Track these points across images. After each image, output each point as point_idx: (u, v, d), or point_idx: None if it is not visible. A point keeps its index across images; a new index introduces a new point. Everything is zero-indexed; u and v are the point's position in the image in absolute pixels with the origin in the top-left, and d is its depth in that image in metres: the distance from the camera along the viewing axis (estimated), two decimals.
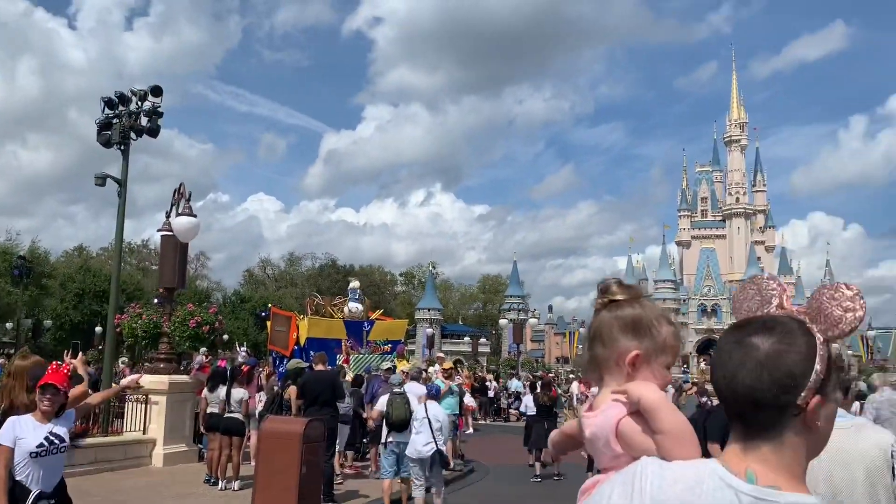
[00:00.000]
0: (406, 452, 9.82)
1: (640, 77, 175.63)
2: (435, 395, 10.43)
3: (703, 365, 62.89)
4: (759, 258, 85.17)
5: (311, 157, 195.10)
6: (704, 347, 78.26)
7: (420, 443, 9.54)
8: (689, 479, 1.23)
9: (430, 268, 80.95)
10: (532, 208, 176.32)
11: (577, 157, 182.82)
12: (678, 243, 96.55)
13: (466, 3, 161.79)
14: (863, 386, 12.90)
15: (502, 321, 57.01)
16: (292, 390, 11.33)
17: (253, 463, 10.92)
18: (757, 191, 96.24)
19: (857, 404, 10.86)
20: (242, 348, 21.72)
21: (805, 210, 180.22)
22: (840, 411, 3.38)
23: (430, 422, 9.52)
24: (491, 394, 32.67)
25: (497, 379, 38.74)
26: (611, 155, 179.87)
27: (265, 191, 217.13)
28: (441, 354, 24.01)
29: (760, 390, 1.19)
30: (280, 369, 18.03)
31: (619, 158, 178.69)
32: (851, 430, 3.23)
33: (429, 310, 66.62)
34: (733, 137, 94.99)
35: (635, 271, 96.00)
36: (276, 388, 13.42)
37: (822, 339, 1.23)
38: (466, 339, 65.69)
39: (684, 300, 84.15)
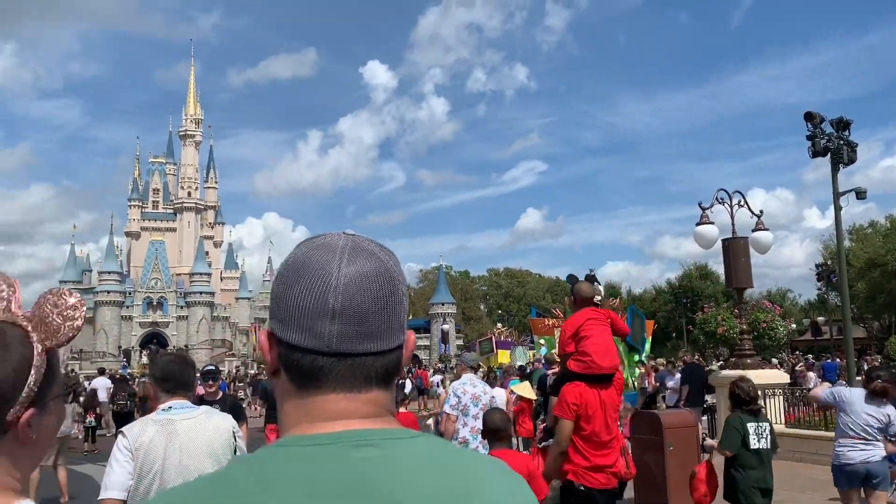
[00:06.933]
0: None
1: (115, 61, 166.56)
2: None
3: (144, 358, 61.79)
4: (207, 252, 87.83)
5: None
6: (148, 340, 77.06)
7: None
8: None
9: None
10: None
11: (26, 131, 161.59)
12: (128, 234, 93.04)
13: None
14: None
15: None
16: None
17: None
18: (209, 187, 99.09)
19: None
20: None
21: (262, 210, 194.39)
22: (184, 402, 3.65)
23: None
24: None
25: None
26: (65, 133, 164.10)
27: None
28: None
29: None
30: None
31: (75, 140, 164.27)
32: (200, 418, 3.46)
33: None
34: (189, 132, 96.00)
35: (79, 261, 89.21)
36: None
37: (41, 349, 1.16)
38: None
39: (130, 292, 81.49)
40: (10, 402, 1.10)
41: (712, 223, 13.71)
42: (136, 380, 27.03)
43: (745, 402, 6.20)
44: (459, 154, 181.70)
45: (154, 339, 77.45)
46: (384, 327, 0.95)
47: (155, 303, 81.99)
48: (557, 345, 5.65)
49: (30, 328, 1.17)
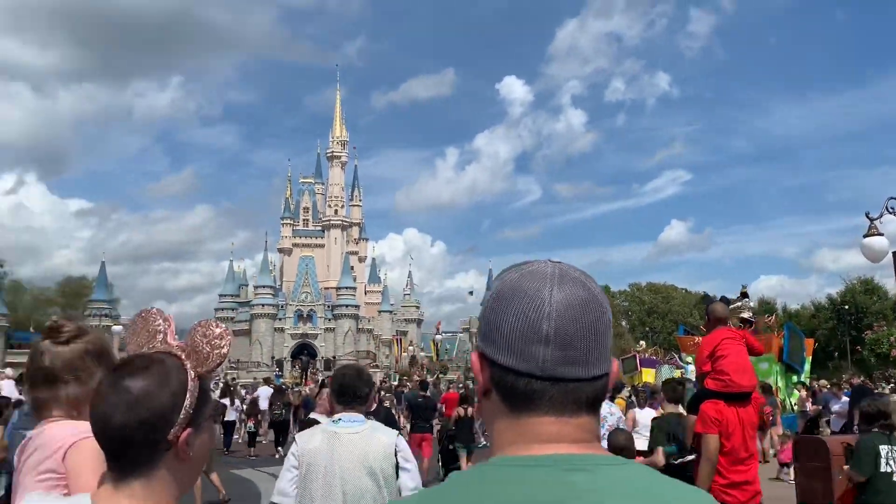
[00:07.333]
0: None
1: (268, 88, 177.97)
2: None
3: (296, 370, 64.96)
4: (352, 267, 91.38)
5: None
6: (298, 352, 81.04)
7: None
8: None
9: None
10: (142, 208, 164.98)
11: (190, 157, 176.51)
12: (280, 250, 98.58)
13: None
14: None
15: None
16: None
17: None
18: (354, 205, 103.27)
19: None
20: None
21: (402, 226, 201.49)
22: (355, 416, 3.79)
23: None
24: None
25: None
26: (224, 157, 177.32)
27: None
28: None
29: (132, 430, 1.24)
30: None
31: (234, 163, 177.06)
32: (364, 433, 3.54)
33: None
34: (335, 153, 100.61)
35: (236, 276, 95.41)
36: None
37: (193, 375, 1.32)
38: None
39: (282, 305, 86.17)
40: (170, 424, 1.27)
41: (881, 234, 12.68)
42: (290, 389, 28.50)
43: (878, 416, 5.87)
44: (598, 165, 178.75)
45: (304, 350, 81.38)
46: (594, 354, 0.97)
47: (305, 315, 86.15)
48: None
49: (184, 357, 1.34)
